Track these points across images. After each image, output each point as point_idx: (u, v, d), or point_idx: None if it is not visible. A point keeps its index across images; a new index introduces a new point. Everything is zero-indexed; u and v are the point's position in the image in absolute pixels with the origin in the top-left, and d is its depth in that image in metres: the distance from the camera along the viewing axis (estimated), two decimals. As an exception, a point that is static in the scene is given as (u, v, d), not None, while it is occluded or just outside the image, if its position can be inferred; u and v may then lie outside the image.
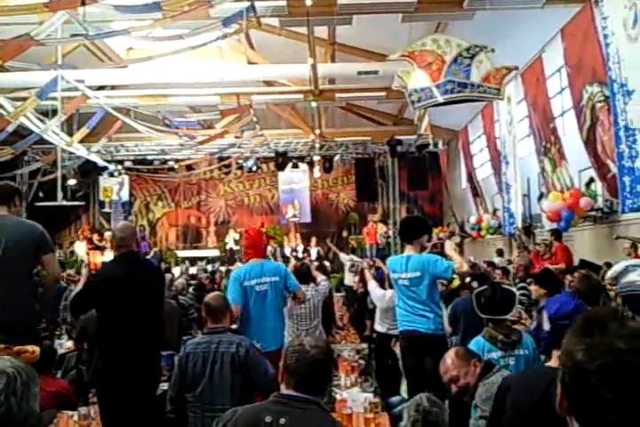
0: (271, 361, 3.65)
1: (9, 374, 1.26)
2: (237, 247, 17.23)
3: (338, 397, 4.30)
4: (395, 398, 5.29)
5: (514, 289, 4.76)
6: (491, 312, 3.95)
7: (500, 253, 12.48)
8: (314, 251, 17.97)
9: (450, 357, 3.23)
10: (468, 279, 6.08)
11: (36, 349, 1.83)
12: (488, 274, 7.16)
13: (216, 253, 18.76)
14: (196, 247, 20.20)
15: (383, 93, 12.23)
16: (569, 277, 6.55)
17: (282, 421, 2.16)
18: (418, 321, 4.72)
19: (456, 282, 6.33)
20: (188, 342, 3.96)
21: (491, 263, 10.16)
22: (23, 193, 4.02)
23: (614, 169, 7.67)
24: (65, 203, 14.93)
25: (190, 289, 8.88)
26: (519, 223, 11.55)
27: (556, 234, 9.13)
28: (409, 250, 4.91)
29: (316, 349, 2.28)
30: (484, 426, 2.47)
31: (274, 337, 4.67)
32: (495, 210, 13.71)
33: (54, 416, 3.89)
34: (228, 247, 18.50)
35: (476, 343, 3.86)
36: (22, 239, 3.53)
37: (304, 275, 6.08)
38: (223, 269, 13.36)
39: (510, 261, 10.78)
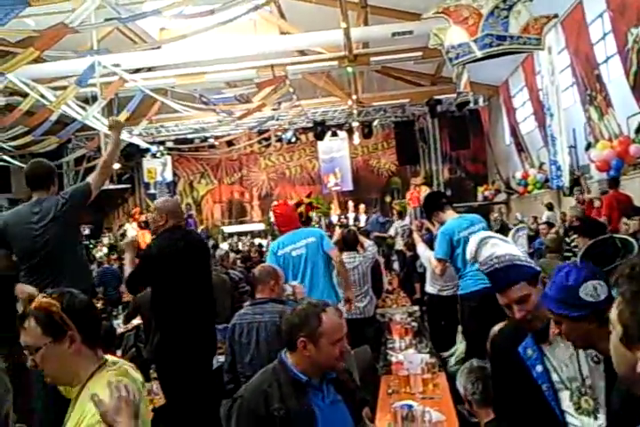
0: None
1: None
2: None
3: (393, 359, 4.35)
4: (452, 358, 5.34)
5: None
6: None
7: (549, 206, 12.24)
8: (362, 218, 17.97)
9: None
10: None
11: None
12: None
13: (262, 226, 18.95)
14: (241, 222, 20.43)
15: (419, 53, 11.92)
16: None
17: None
18: None
19: None
20: (236, 314, 4.00)
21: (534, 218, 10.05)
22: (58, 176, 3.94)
23: (665, 113, 7.39)
24: (112, 187, 15.31)
25: (238, 262, 9.06)
26: (567, 175, 11.27)
27: (613, 183, 8.88)
28: (453, 214, 4.98)
29: None
30: None
31: (325, 296, 4.62)
32: (541, 164, 13.38)
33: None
34: (272, 220, 18.60)
35: None
36: (54, 213, 3.57)
37: (351, 241, 6.10)
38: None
39: (564, 214, 10.59)
